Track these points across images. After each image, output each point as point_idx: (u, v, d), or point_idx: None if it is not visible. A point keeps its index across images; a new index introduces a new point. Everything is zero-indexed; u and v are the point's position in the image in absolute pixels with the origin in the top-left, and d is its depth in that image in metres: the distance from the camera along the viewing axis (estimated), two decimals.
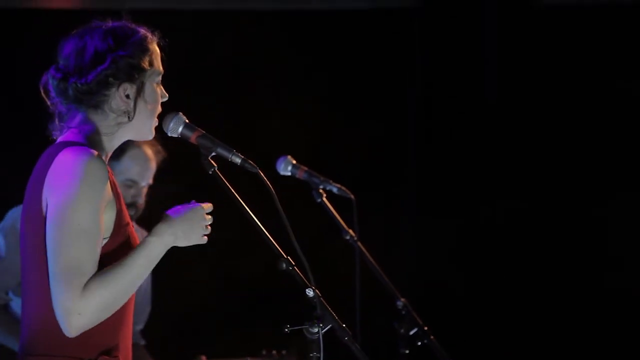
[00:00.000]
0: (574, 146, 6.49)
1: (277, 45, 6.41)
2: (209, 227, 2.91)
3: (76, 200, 2.77)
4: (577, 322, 6.43)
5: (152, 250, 2.83)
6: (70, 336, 2.77)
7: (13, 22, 5.93)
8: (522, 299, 6.48)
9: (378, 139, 6.59)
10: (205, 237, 2.91)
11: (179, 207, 2.90)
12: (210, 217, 2.92)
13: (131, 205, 4.65)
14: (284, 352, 5.07)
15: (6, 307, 4.54)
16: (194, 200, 2.94)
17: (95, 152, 2.85)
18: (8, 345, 4.46)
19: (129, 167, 4.64)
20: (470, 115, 6.59)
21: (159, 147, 4.74)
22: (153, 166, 4.72)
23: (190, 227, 2.87)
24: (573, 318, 6.44)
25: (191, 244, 2.89)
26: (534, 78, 6.53)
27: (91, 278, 2.75)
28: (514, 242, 6.51)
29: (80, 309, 2.73)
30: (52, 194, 2.82)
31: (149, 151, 4.70)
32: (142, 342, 4.95)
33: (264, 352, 5.10)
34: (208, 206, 2.92)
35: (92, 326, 2.77)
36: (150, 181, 4.72)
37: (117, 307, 2.80)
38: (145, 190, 4.72)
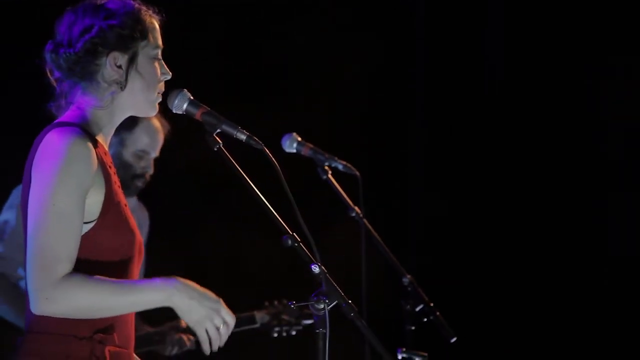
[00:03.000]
0: (579, 137, 6.48)
1: (276, 27, 6.39)
2: (219, 332, 2.78)
3: (56, 183, 2.77)
4: (578, 306, 6.45)
5: (153, 291, 2.77)
6: (34, 313, 2.77)
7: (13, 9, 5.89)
8: (527, 280, 6.48)
9: (384, 121, 6.59)
10: (206, 333, 2.78)
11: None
12: (225, 322, 2.79)
13: (141, 176, 4.73)
14: (284, 301, 5.09)
15: (17, 285, 4.56)
16: None
17: (83, 133, 2.85)
18: (18, 324, 4.48)
19: (141, 137, 4.71)
20: (473, 102, 6.59)
21: (164, 121, 4.78)
22: (162, 138, 4.79)
23: (200, 302, 2.75)
24: (574, 301, 6.45)
25: (191, 321, 2.77)
26: (538, 66, 6.51)
27: (81, 275, 2.74)
28: (517, 227, 6.51)
29: (50, 295, 2.72)
30: (35, 175, 2.82)
31: (157, 123, 4.77)
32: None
33: (266, 304, 5.12)
34: (229, 315, 2.80)
35: (57, 316, 2.76)
36: (158, 153, 4.78)
37: (90, 316, 2.79)
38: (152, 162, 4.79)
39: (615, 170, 6.44)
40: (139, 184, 4.74)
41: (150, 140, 4.73)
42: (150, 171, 4.76)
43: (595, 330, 6.38)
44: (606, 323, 6.38)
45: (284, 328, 5.08)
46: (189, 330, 4.86)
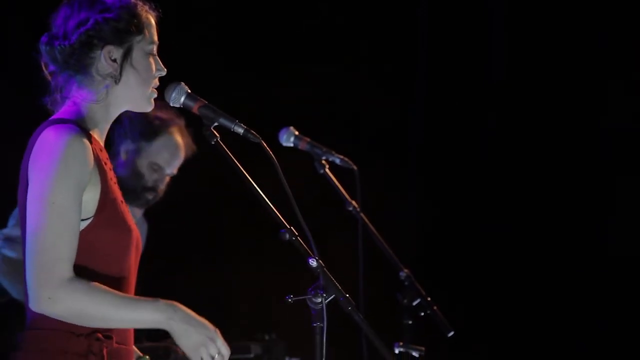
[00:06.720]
0: (580, 140, 6.48)
1: (278, 17, 6.38)
2: None
3: (54, 181, 2.77)
4: (577, 298, 6.45)
5: (154, 311, 2.77)
6: (32, 309, 2.77)
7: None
8: (525, 274, 6.47)
9: (382, 110, 6.58)
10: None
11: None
12: (220, 352, 2.80)
13: (151, 189, 4.64)
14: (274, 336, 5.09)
15: None
16: None
17: (79, 130, 2.85)
18: None
19: (158, 151, 4.62)
20: (475, 91, 6.58)
21: (191, 141, 4.71)
22: (182, 156, 4.70)
23: (196, 329, 2.77)
24: (573, 296, 6.45)
25: (185, 346, 2.78)
26: (543, 55, 6.50)
27: (86, 281, 2.75)
28: (517, 221, 6.51)
29: (53, 295, 2.72)
30: (32, 173, 2.83)
31: (180, 140, 4.68)
32: None
33: (265, 337, 5.13)
34: (224, 347, 2.81)
35: (56, 317, 2.76)
36: (175, 171, 4.70)
37: (87, 324, 2.78)
38: (167, 179, 4.70)
39: (618, 171, 6.43)
40: (149, 196, 4.64)
41: (169, 156, 4.64)
42: (162, 186, 4.65)
43: (592, 325, 6.39)
44: (605, 319, 6.39)
45: None
46: None
